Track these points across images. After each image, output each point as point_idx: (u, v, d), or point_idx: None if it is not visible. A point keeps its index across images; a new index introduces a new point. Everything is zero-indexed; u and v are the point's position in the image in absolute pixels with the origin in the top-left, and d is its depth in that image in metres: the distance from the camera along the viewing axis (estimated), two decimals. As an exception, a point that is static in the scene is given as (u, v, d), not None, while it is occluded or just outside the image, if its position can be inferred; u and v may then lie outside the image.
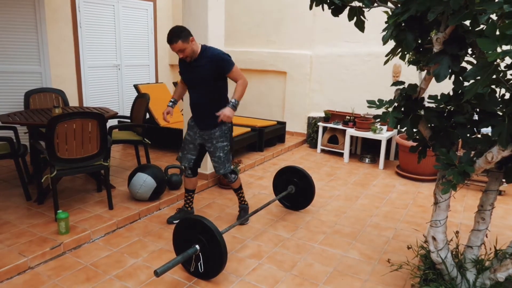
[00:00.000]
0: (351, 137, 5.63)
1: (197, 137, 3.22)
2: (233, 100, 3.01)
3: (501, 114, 1.85)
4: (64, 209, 3.35)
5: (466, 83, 1.83)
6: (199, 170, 4.40)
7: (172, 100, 3.33)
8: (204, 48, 3.02)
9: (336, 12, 2.33)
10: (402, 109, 2.21)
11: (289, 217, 3.67)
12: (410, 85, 2.20)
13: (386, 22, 2.02)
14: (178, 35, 2.83)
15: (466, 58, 2.04)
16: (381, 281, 2.65)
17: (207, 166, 4.36)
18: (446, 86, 2.84)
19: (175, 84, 6.22)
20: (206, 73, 3.00)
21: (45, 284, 2.52)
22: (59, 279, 2.57)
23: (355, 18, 2.29)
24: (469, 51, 2.01)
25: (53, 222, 3.20)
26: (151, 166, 3.77)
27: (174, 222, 3.34)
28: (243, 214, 3.51)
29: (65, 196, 3.78)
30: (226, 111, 2.96)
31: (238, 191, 3.50)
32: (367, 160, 5.57)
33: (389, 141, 5.55)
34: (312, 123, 6.18)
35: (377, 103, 2.16)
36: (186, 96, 4.36)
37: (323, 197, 4.16)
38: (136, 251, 2.97)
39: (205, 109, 3.11)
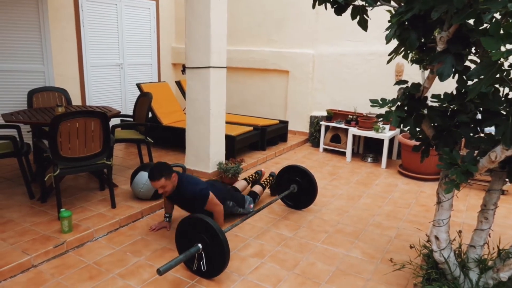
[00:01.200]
0: (354, 136, 5.62)
1: None
2: None
3: (504, 113, 1.84)
4: (67, 208, 3.36)
5: (469, 82, 1.82)
6: (202, 169, 4.42)
7: (167, 215, 3.33)
8: (180, 182, 3.02)
9: (339, 11, 2.33)
10: (405, 108, 2.21)
11: (292, 216, 3.67)
12: (413, 84, 2.20)
13: (389, 21, 2.02)
14: (161, 172, 2.86)
15: (470, 57, 2.03)
16: (384, 281, 2.65)
17: (209, 164, 4.37)
18: (449, 85, 2.83)
19: (177, 83, 6.22)
20: (189, 205, 3.11)
21: (48, 282, 2.53)
22: (62, 277, 2.59)
23: (358, 17, 2.29)
24: (473, 50, 2.01)
25: (56, 220, 3.21)
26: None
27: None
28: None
29: (68, 194, 3.79)
30: None
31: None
32: (369, 159, 5.56)
33: (391, 140, 5.54)
34: (315, 122, 6.18)
35: (380, 102, 2.15)
36: (187, 96, 4.38)
37: (325, 196, 4.16)
38: (138, 250, 2.97)
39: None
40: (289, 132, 6.53)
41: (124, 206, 3.56)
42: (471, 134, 2.07)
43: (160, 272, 2.32)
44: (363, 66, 5.91)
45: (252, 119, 6.18)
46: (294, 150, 6.13)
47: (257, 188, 3.86)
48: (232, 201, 3.43)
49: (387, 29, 2.06)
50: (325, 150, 6.01)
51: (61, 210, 3.04)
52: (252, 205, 3.60)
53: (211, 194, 3.07)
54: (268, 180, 4.05)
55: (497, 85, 1.88)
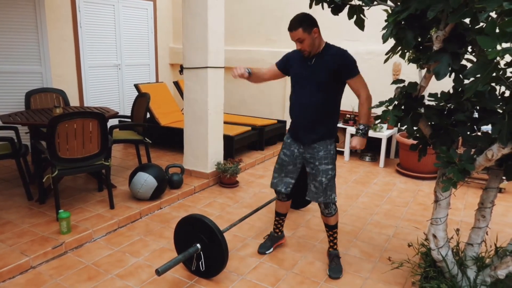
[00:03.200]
0: (352, 135, 5.63)
1: (297, 156, 2.68)
2: (361, 126, 2.51)
3: (501, 112, 1.85)
4: (66, 209, 3.36)
5: (466, 81, 1.83)
6: (200, 169, 4.43)
7: (249, 69, 2.71)
8: (328, 45, 2.55)
9: (336, 11, 2.34)
10: (402, 107, 2.21)
11: (290, 215, 3.67)
12: (410, 83, 2.20)
13: (386, 21, 2.02)
14: (300, 22, 2.41)
15: (466, 56, 2.04)
16: (382, 279, 2.66)
17: (207, 165, 4.37)
18: (446, 84, 2.84)
19: (175, 83, 6.22)
20: (325, 71, 2.49)
21: (47, 283, 2.53)
22: (61, 278, 2.58)
23: (355, 16, 2.29)
24: (469, 49, 2.01)
25: (54, 221, 3.21)
26: (152, 166, 3.78)
27: (267, 252, 2.96)
28: (338, 263, 2.75)
29: (66, 195, 3.78)
30: (357, 142, 2.54)
31: (333, 229, 2.76)
32: (367, 158, 5.57)
33: (389, 139, 5.55)
34: (313, 122, 6.17)
35: (378, 103, 2.16)
36: (185, 96, 4.38)
37: (323, 196, 4.16)
38: (137, 250, 2.98)
39: (312, 117, 2.57)
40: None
41: (123, 207, 3.56)
42: (468, 133, 2.08)
43: (158, 272, 2.32)
44: (360, 66, 5.79)
45: (250, 119, 6.19)
46: (293, 149, 6.13)
47: None
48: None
49: (383, 28, 2.06)
50: (323, 149, 6.01)
51: (60, 211, 3.03)
52: (335, 207, 2.77)
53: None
54: None
55: (493, 84, 1.89)
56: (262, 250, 2.98)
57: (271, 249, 3.01)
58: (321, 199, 2.63)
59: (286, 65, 2.73)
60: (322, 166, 2.58)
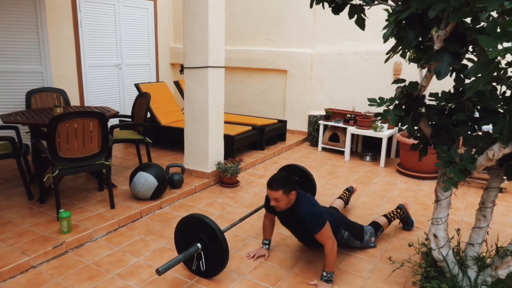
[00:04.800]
0: (352, 135, 5.63)
1: None
2: (324, 273, 2.56)
3: (502, 111, 1.85)
4: (66, 208, 3.36)
5: (467, 81, 1.83)
6: (201, 169, 4.42)
7: (266, 241, 2.95)
8: (296, 202, 2.63)
9: (336, 10, 2.33)
10: (403, 107, 2.21)
11: (291, 215, 3.67)
12: (411, 83, 2.20)
13: (386, 20, 2.02)
14: (282, 185, 2.53)
15: (467, 56, 2.04)
16: (383, 279, 2.66)
17: (207, 164, 4.37)
18: (447, 84, 2.84)
19: (175, 83, 6.22)
20: (298, 223, 2.68)
21: (47, 282, 2.53)
22: (62, 278, 2.59)
23: (355, 16, 2.29)
24: (470, 48, 2.01)
25: (55, 221, 3.21)
26: (152, 165, 3.78)
27: None
28: None
29: (67, 195, 3.79)
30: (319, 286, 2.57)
31: None
32: (368, 158, 5.57)
33: (390, 139, 5.55)
34: (313, 122, 6.18)
35: (378, 101, 2.16)
36: (185, 96, 4.38)
37: (324, 195, 4.16)
38: (138, 250, 2.98)
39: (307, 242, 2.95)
40: (288, 131, 6.54)
41: (123, 207, 3.56)
42: (469, 132, 2.08)
43: (159, 272, 2.32)
44: (361, 65, 5.92)
45: (251, 118, 6.18)
46: (293, 149, 6.14)
47: (381, 220, 3.22)
48: (348, 231, 2.92)
49: (384, 28, 2.06)
50: (323, 149, 6.02)
51: (60, 210, 3.03)
52: (373, 239, 3.05)
53: (328, 224, 2.57)
54: (395, 213, 3.34)
55: (494, 83, 1.89)
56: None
57: None
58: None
59: (270, 209, 2.83)
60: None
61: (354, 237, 2.95)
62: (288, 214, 2.69)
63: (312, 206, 2.63)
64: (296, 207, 2.62)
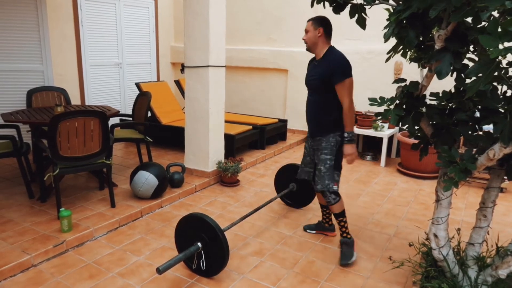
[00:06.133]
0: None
1: (310, 149, 2.96)
2: (345, 134, 2.70)
3: (503, 111, 1.85)
4: (67, 207, 3.37)
5: (468, 80, 1.83)
6: (201, 168, 4.43)
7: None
8: (330, 51, 2.73)
9: (337, 10, 2.34)
10: (404, 106, 2.21)
11: (291, 214, 3.67)
12: (411, 82, 2.20)
13: (387, 20, 2.02)
14: (314, 18, 2.73)
15: (468, 55, 2.04)
16: (383, 278, 2.66)
17: (208, 163, 4.38)
18: (447, 84, 2.84)
19: (176, 82, 6.22)
20: (318, 76, 2.72)
21: (48, 281, 2.54)
22: (62, 277, 2.59)
23: (356, 15, 2.29)
24: (471, 48, 2.01)
25: (55, 220, 3.22)
26: (153, 164, 3.78)
27: (308, 230, 3.30)
28: (346, 250, 2.85)
29: (67, 194, 3.79)
30: (346, 151, 2.72)
31: (338, 218, 2.90)
32: (368, 157, 5.57)
33: (390, 138, 5.54)
34: (314, 121, 6.17)
35: (379, 100, 2.16)
36: (186, 95, 4.38)
37: (324, 195, 4.16)
38: (138, 249, 2.98)
39: (314, 113, 2.86)
40: (288, 130, 6.54)
41: (124, 206, 3.57)
42: (470, 132, 2.08)
43: (159, 271, 2.32)
44: (361, 65, 5.92)
45: (251, 118, 6.18)
46: (294, 148, 6.13)
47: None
48: (336, 169, 2.83)
49: (385, 27, 2.06)
50: (324, 148, 6.01)
51: (61, 209, 3.04)
52: (334, 197, 2.83)
53: (352, 81, 2.65)
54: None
55: (495, 83, 1.89)
56: (306, 226, 3.35)
57: (313, 232, 3.30)
58: (319, 187, 2.85)
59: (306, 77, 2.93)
60: (322, 155, 2.82)
61: (331, 173, 2.79)
62: (318, 64, 2.76)
63: (345, 58, 2.69)
64: (330, 54, 2.71)
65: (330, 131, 2.79)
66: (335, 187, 2.81)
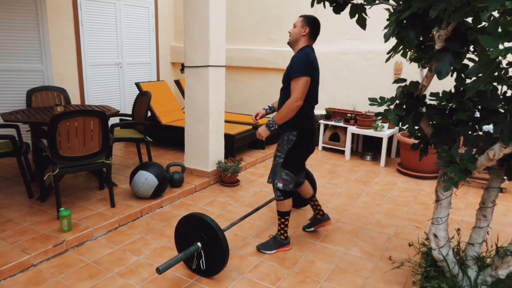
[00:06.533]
0: (353, 134, 5.63)
1: None
2: (270, 120, 2.79)
3: (503, 111, 1.85)
4: (67, 207, 3.37)
5: (468, 80, 1.83)
6: (201, 168, 4.43)
7: (270, 105, 3.18)
8: (302, 49, 2.77)
9: (337, 10, 2.34)
10: (404, 106, 2.21)
11: (291, 214, 3.66)
12: (411, 82, 2.20)
13: (387, 20, 2.02)
14: (306, 16, 2.80)
15: (468, 55, 2.04)
16: (383, 278, 2.66)
17: (208, 163, 4.38)
18: (447, 84, 2.84)
19: (176, 82, 6.22)
20: (285, 73, 2.82)
21: (48, 281, 2.54)
22: (62, 276, 2.59)
23: (356, 15, 2.29)
24: (471, 48, 2.01)
25: (55, 219, 3.21)
26: (153, 164, 3.78)
27: (306, 230, 3.31)
28: (271, 242, 2.99)
29: (67, 194, 3.79)
30: (259, 129, 2.91)
31: (279, 216, 2.94)
32: (368, 157, 5.57)
33: (390, 138, 5.54)
34: (314, 121, 6.17)
35: (379, 100, 2.16)
36: (186, 95, 4.38)
37: (324, 195, 4.16)
38: (138, 249, 2.98)
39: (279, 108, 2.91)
40: (288, 130, 6.52)
41: (124, 205, 3.56)
42: (470, 132, 2.08)
43: (159, 271, 2.32)
44: (361, 65, 5.92)
45: (251, 118, 6.17)
46: (293, 148, 6.13)
47: (308, 190, 3.23)
48: (288, 169, 2.85)
49: (385, 27, 2.06)
50: (324, 148, 6.02)
51: (61, 209, 3.04)
52: (279, 194, 2.89)
53: (307, 82, 2.63)
54: (318, 210, 3.29)
55: (495, 83, 1.89)
56: (305, 226, 3.34)
57: (312, 229, 3.30)
58: (269, 180, 2.96)
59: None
60: (276, 151, 2.92)
61: (278, 169, 2.85)
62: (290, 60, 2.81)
63: (308, 58, 2.70)
64: (299, 51, 2.77)
65: (287, 128, 2.81)
66: (279, 185, 2.84)
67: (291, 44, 2.84)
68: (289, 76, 2.73)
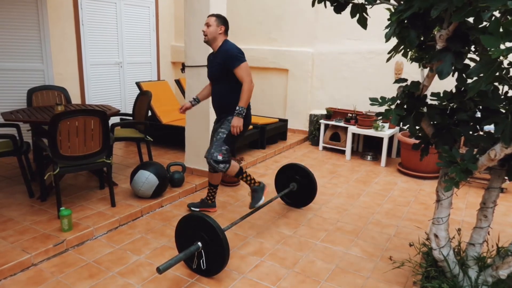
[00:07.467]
0: (353, 134, 5.62)
1: (215, 130, 3.32)
2: (237, 108, 3.05)
3: (504, 111, 1.84)
4: (67, 206, 3.37)
5: (469, 80, 1.83)
6: (202, 168, 4.42)
7: (194, 97, 3.43)
8: (224, 43, 3.11)
9: (338, 9, 2.33)
10: (405, 106, 2.21)
11: (291, 214, 3.67)
12: (412, 82, 2.20)
13: (388, 19, 2.02)
14: (216, 15, 3.11)
15: (469, 55, 2.03)
16: (383, 278, 2.66)
17: (209, 163, 4.37)
18: (449, 83, 2.84)
19: (177, 81, 6.22)
20: (217, 66, 3.09)
21: (48, 280, 2.54)
22: (62, 276, 2.59)
23: (357, 15, 2.29)
24: (472, 48, 2.01)
25: (56, 219, 3.21)
26: (153, 164, 3.78)
27: (192, 208, 3.59)
28: (255, 195, 3.31)
29: (67, 193, 3.79)
30: (233, 122, 3.06)
31: (239, 176, 3.31)
32: (369, 157, 5.56)
33: (391, 138, 5.54)
34: (314, 121, 6.18)
35: (380, 100, 2.16)
36: (187, 94, 4.37)
37: (325, 195, 4.16)
38: (138, 248, 2.98)
39: (219, 101, 3.24)
40: (289, 130, 6.53)
41: (124, 205, 3.56)
42: (471, 132, 2.07)
43: (160, 270, 2.32)
44: (362, 65, 5.91)
45: (252, 117, 6.17)
46: (294, 148, 6.13)
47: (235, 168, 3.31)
48: (227, 145, 3.17)
49: (386, 27, 2.06)
50: (324, 148, 6.01)
51: (61, 208, 3.04)
52: (222, 165, 3.15)
53: (247, 64, 3.04)
54: (251, 180, 3.41)
55: (496, 83, 1.88)
56: (191, 204, 3.64)
57: (197, 209, 3.58)
58: (205, 156, 3.20)
59: (208, 71, 3.32)
60: (219, 129, 3.18)
61: (220, 143, 3.15)
62: (215, 56, 3.14)
63: (237, 47, 3.07)
64: (224, 45, 3.09)
65: (233, 112, 3.10)
66: (219, 157, 3.11)
67: (209, 42, 3.12)
68: (224, 69, 3.04)
